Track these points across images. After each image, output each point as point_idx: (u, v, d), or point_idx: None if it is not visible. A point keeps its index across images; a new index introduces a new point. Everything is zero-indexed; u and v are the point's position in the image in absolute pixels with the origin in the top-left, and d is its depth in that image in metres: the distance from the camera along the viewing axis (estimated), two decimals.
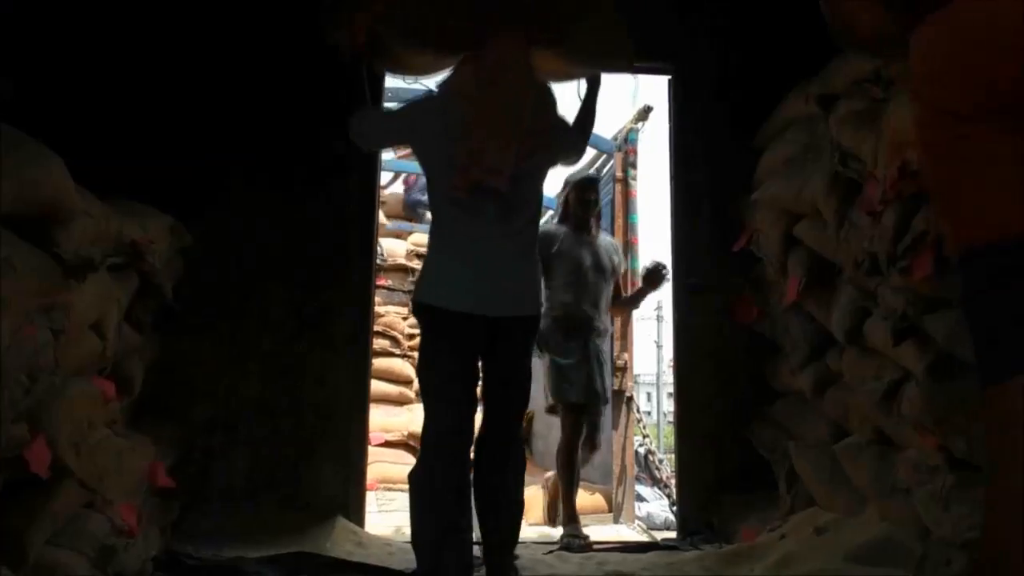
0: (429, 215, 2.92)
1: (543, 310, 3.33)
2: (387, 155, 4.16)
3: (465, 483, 2.48)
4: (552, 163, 2.74)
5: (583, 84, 2.81)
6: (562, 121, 2.70)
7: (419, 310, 2.53)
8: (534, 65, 2.52)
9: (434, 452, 2.46)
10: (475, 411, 2.53)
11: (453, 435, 2.44)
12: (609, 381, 4.37)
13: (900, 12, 1.35)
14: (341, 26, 2.55)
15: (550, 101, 2.63)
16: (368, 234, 3.83)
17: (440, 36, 2.51)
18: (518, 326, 2.53)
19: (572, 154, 2.89)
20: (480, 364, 2.53)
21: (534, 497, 5.01)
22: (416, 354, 7.16)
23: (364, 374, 3.76)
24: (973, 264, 1.21)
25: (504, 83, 2.43)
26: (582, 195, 4.13)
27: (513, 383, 2.59)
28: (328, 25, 2.61)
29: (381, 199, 4.11)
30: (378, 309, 6.60)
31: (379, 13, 2.48)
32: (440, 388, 2.46)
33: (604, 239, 4.26)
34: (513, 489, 2.59)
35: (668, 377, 21.09)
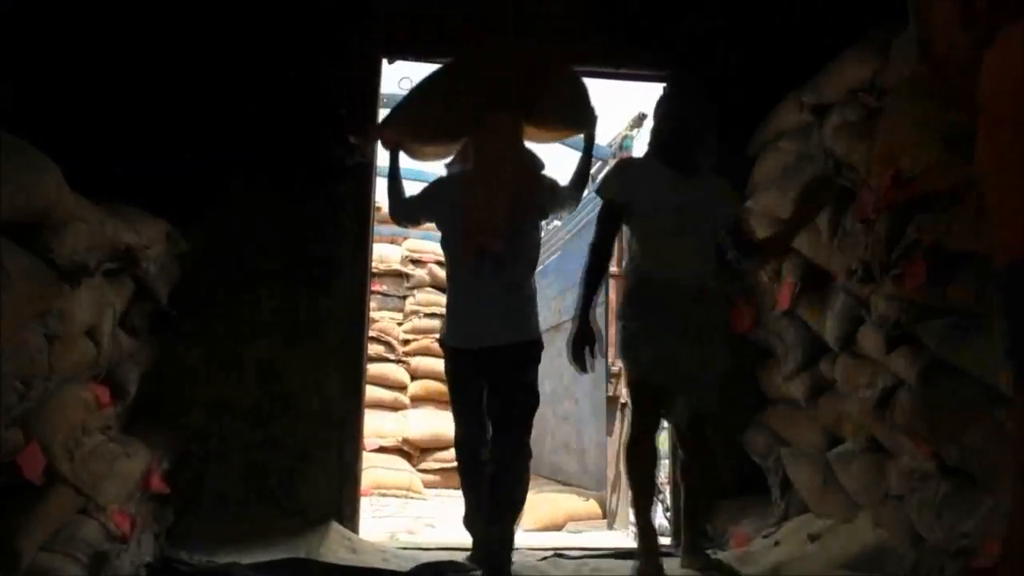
0: None
1: (627, 270, 3.02)
2: (384, 161, 4.14)
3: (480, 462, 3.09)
4: (543, 218, 3.33)
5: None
6: (549, 181, 3.19)
7: (441, 346, 3.31)
8: (521, 135, 3.13)
9: (458, 452, 3.26)
10: (485, 419, 3.09)
11: (467, 438, 3.18)
12: (711, 373, 2.91)
13: (980, 31, 1.39)
14: (367, 138, 3.46)
15: (536, 165, 3.18)
16: (363, 239, 3.82)
17: (445, 131, 3.22)
18: (510, 352, 2.99)
19: (567, 206, 3.32)
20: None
21: (529, 502, 5.01)
22: (410, 359, 7.27)
23: (358, 380, 3.76)
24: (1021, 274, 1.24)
25: (494, 158, 3.04)
26: (678, 116, 2.97)
27: (509, 402, 3.01)
28: (357, 137, 3.47)
29: (376, 205, 4.10)
30: (373, 315, 6.60)
31: (398, 126, 3.28)
32: (455, 404, 3.23)
33: (709, 180, 3.00)
34: (509, 491, 2.96)
35: None
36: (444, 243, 3.22)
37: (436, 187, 3.28)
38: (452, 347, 3.13)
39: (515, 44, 3.34)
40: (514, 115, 3.09)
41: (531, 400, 3.05)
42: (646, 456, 2.97)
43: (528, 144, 3.19)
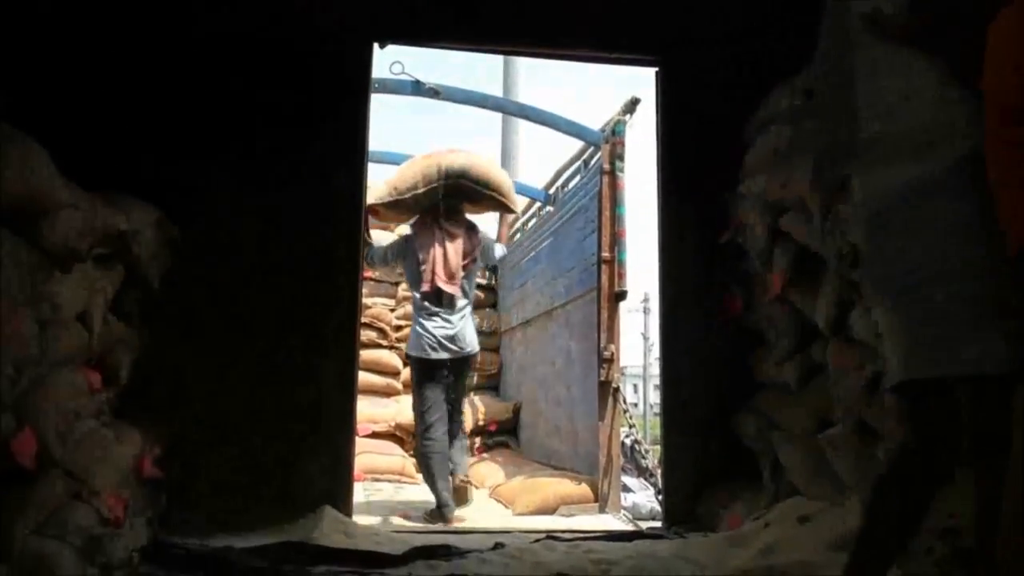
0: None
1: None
2: (375, 147, 4.13)
3: (447, 439, 4.59)
4: (480, 267, 5.06)
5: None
6: (485, 240, 4.85)
7: (408, 357, 4.77)
8: (464, 210, 4.75)
9: (427, 431, 4.53)
10: (446, 406, 4.59)
11: (436, 422, 4.53)
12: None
13: None
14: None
15: (475, 231, 4.75)
16: (355, 226, 3.82)
17: (410, 210, 4.75)
18: (459, 361, 4.62)
19: (494, 259, 5.17)
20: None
21: (522, 485, 5.04)
22: (402, 345, 7.35)
23: (352, 366, 3.76)
24: None
25: (447, 228, 4.59)
26: None
27: (459, 393, 4.75)
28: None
29: (368, 185, 4.10)
30: (365, 301, 6.60)
31: (386, 204, 4.67)
32: (424, 398, 4.56)
33: None
34: (464, 449, 4.84)
35: (654, 369, 21.18)
36: (410, 282, 4.78)
37: (406, 241, 4.77)
38: (422, 359, 4.54)
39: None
40: (459, 199, 4.67)
41: (466, 390, 4.96)
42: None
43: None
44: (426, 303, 4.53)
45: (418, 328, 4.56)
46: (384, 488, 5.78)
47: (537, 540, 3.39)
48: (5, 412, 2.01)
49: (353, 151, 3.81)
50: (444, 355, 4.49)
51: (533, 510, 4.70)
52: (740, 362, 3.78)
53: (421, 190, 4.59)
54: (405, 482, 6.05)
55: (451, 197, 4.62)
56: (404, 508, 4.84)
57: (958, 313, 1.69)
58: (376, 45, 3.95)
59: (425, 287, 4.51)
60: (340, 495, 3.61)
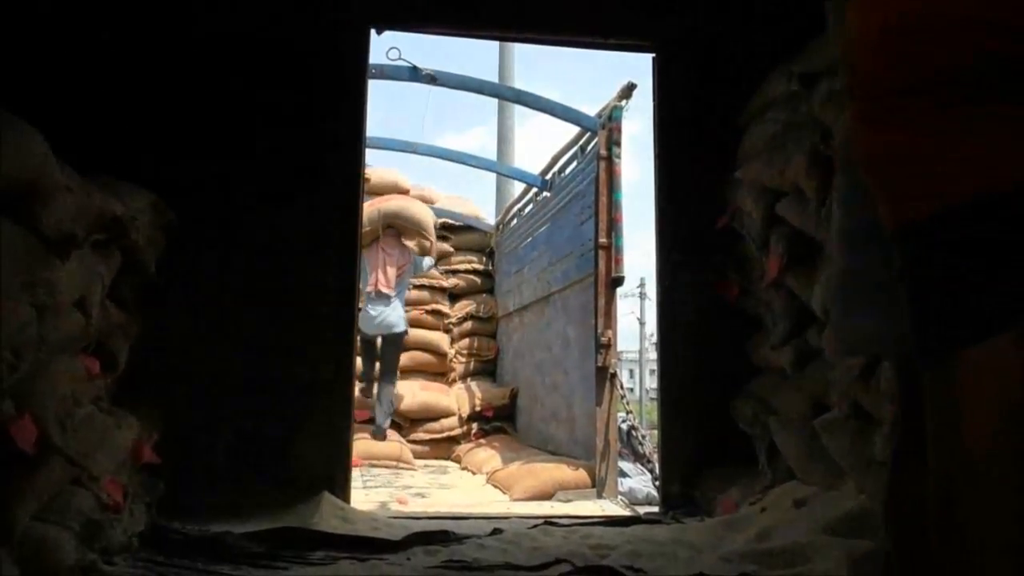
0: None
1: None
2: (371, 133, 4.13)
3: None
4: (411, 274, 7.13)
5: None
6: (415, 258, 7.04)
7: (359, 332, 5.47)
8: (398, 237, 6.87)
9: (363, 382, 6.52)
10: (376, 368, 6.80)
11: (367, 375, 6.73)
12: None
13: None
14: None
15: (408, 250, 6.91)
16: (352, 209, 3.82)
17: (368, 237, 6.46)
18: (388, 337, 6.68)
19: (422, 270, 7.52)
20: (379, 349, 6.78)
21: (519, 471, 5.06)
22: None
23: (348, 350, 3.77)
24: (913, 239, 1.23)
25: (385, 250, 6.76)
26: None
27: (390, 358, 6.73)
28: None
29: (366, 175, 4.09)
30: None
31: None
32: (366, 359, 6.62)
33: None
34: (383, 394, 6.59)
35: (651, 354, 21.24)
36: (362, 284, 6.11)
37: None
38: (364, 334, 6.27)
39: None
40: (396, 231, 6.88)
41: (399, 356, 6.90)
42: None
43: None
44: (371, 298, 6.62)
45: (363, 314, 6.42)
46: (382, 474, 5.80)
47: (535, 525, 3.41)
48: (5, 398, 2.01)
49: (352, 135, 3.81)
50: (377, 333, 6.64)
51: (530, 495, 4.73)
52: (737, 347, 3.80)
53: (367, 228, 6.54)
54: (403, 468, 6.07)
55: (388, 228, 6.87)
56: (402, 494, 4.86)
57: None
58: (373, 31, 3.94)
59: (370, 288, 6.61)
60: (338, 481, 3.63)
